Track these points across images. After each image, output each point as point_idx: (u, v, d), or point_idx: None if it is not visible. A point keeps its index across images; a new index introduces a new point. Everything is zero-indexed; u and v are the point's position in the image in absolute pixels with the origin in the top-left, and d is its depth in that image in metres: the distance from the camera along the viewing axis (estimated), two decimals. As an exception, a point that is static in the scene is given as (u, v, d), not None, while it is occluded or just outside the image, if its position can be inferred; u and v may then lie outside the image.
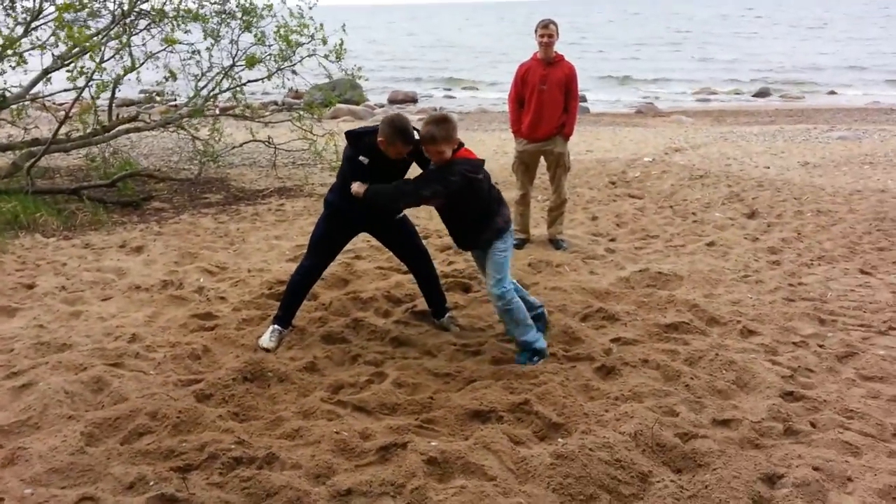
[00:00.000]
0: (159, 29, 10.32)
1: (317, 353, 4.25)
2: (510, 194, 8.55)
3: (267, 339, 4.38)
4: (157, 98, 16.24)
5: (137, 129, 10.53)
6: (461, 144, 4.03)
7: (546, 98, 6.35)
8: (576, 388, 3.72)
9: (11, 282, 5.57)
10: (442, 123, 3.88)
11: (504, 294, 4.05)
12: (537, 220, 7.37)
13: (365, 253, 6.31)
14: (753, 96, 27.90)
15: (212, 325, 4.62)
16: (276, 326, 4.46)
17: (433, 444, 3.12)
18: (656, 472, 2.96)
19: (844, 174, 10.39)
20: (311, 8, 10.35)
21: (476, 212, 4.08)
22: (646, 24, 60.54)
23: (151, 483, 2.88)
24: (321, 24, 10.46)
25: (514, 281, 4.35)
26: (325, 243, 4.53)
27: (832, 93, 28.72)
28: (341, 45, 10.45)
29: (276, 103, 22.39)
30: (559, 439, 3.25)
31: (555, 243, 6.70)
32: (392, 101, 25.77)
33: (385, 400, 3.60)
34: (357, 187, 4.08)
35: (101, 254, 6.49)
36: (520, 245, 6.68)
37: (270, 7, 10.36)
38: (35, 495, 2.81)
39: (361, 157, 4.12)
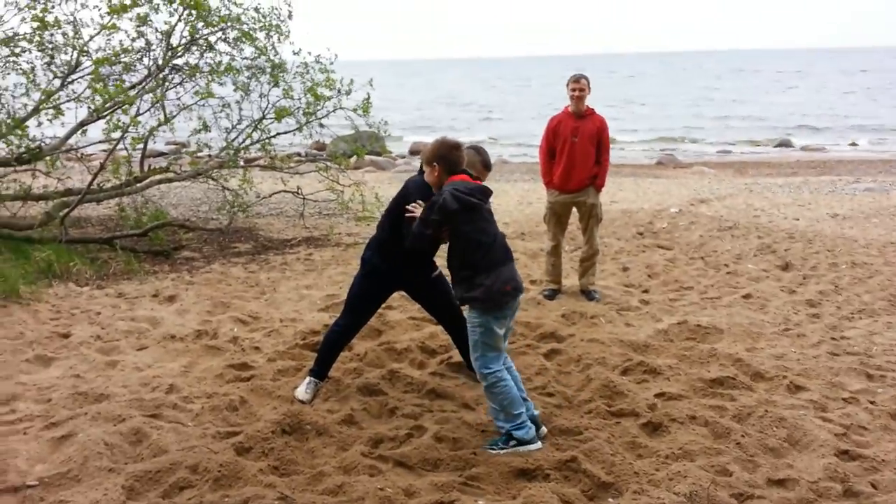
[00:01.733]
0: (193, 83, 10.59)
1: (354, 405, 4.19)
2: (540, 244, 8.58)
3: (303, 392, 4.33)
4: (185, 151, 16.58)
5: (169, 180, 10.71)
6: (461, 171, 3.79)
7: (578, 150, 6.38)
8: (623, 444, 3.63)
9: (47, 331, 5.59)
10: (436, 141, 3.82)
11: (486, 375, 3.70)
12: (567, 271, 7.33)
13: (396, 303, 6.27)
14: (775, 147, 27.96)
15: (248, 376, 4.59)
16: (311, 378, 4.41)
17: (480, 503, 3.03)
18: (715, 535, 2.85)
19: (875, 226, 10.29)
20: (331, 63, 10.57)
21: (463, 246, 3.69)
22: (639, 84, 61.04)
23: (194, 540, 2.82)
24: (351, 80, 10.67)
25: (510, 367, 3.90)
26: (363, 302, 4.43)
27: (853, 144, 28.72)
28: (368, 99, 10.65)
29: (299, 154, 22.76)
30: (610, 499, 3.15)
31: (587, 294, 6.64)
32: (413, 152, 26.09)
33: (427, 455, 3.52)
34: (415, 206, 3.85)
35: (135, 303, 6.52)
36: (551, 296, 6.63)
37: (305, 66, 10.58)
38: (76, 551, 2.75)
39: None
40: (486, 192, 3.82)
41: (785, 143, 28.19)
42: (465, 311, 3.84)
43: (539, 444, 3.65)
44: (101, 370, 4.75)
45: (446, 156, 3.78)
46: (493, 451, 3.59)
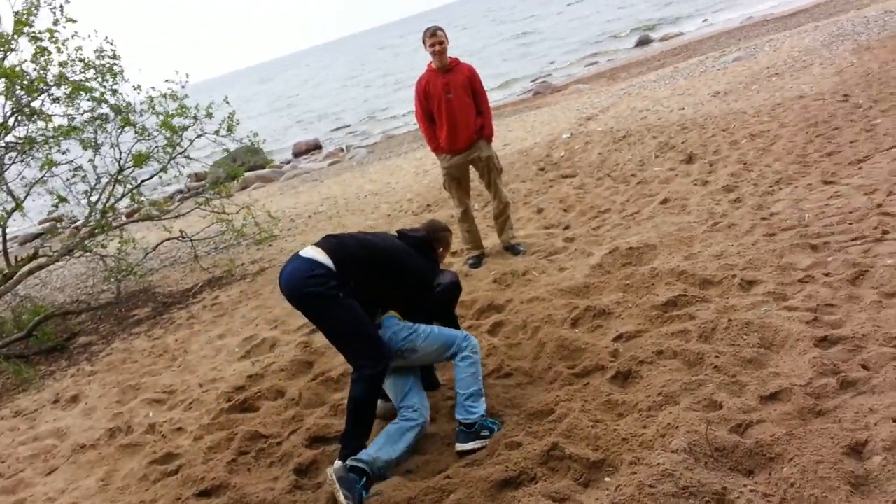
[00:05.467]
0: (32, 157, 9.58)
1: (301, 460, 3.69)
2: (449, 211, 8.17)
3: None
4: (59, 225, 15.32)
5: (41, 267, 9.68)
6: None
7: (456, 105, 5.95)
8: (599, 408, 3.28)
9: (-63, 488, 4.81)
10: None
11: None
12: (485, 232, 6.96)
13: (319, 324, 5.76)
14: (636, 47, 28.37)
15: (175, 468, 3.99)
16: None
17: (471, 539, 2.62)
18: (730, 485, 2.53)
19: (757, 92, 10.36)
20: (183, 87, 9.74)
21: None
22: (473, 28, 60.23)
23: None
24: (210, 103, 9.87)
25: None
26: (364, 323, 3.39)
27: (706, 21, 29.50)
28: (232, 116, 9.90)
29: (180, 192, 21.51)
30: (606, 479, 2.80)
31: (511, 249, 6.29)
32: (297, 154, 25.13)
33: (395, 497, 3.07)
34: None
35: (35, 417, 5.76)
36: (477, 263, 6.25)
37: (151, 101, 9.71)
38: None
39: None
40: None
41: (644, 40, 28.62)
42: None
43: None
44: (7, 516, 4.08)
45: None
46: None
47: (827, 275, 3.98)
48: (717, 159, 7.36)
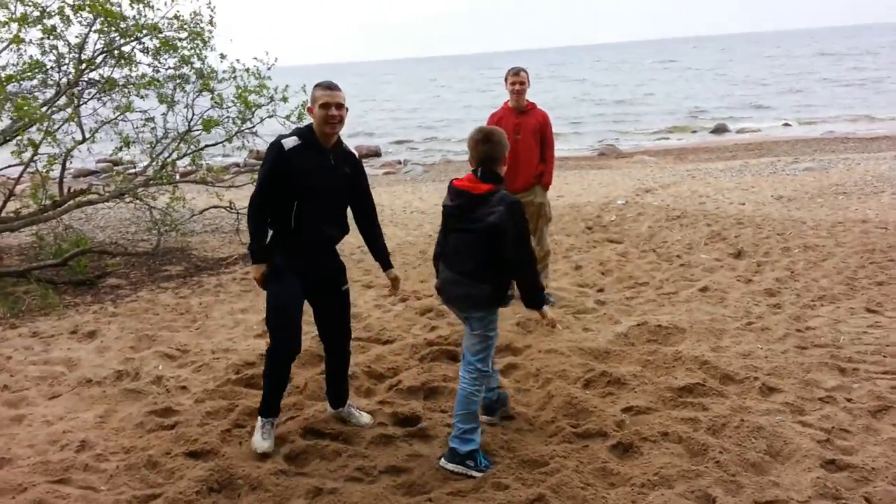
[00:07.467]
0: (110, 97, 9.94)
1: (293, 447, 3.74)
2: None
3: (260, 440, 3.72)
4: (116, 168, 15.75)
5: (90, 203, 9.99)
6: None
7: (521, 147, 6.04)
8: (593, 473, 3.27)
9: (-54, 384, 4.97)
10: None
11: (485, 374, 3.71)
12: (519, 275, 6.98)
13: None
14: (711, 133, 28.31)
15: (171, 423, 4.08)
16: (263, 419, 3.80)
17: (439, 565, 2.63)
18: (706, 579, 2.51)
19: (821, 206, 10.27)
20: (269, 69, 10.04)
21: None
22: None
23: None
24: (286, 86, 10.15)
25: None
26: (278, 313, 3.77)
27: (786, 125, 29.30)
28: (305, 105, 10.13)
29: (237, 165, 21.98)
30: (585, 543, 2.79)
31: (541, 298, 6.31)
32: (362, 157, 25.49)
33: (377, 506, 3.10)
34: None
35: (51, 343, 5.91)
36: (505, 302, 6.27)
37: (234, 72, 10.03)
38: None
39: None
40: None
41: (721, 128, 28.56)
42: (483, 313, 3.75)
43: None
44: (5, 427, 4.18)
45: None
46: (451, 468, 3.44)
47: (849, 400, 3.93)
48: (765, 261, 7.30)
